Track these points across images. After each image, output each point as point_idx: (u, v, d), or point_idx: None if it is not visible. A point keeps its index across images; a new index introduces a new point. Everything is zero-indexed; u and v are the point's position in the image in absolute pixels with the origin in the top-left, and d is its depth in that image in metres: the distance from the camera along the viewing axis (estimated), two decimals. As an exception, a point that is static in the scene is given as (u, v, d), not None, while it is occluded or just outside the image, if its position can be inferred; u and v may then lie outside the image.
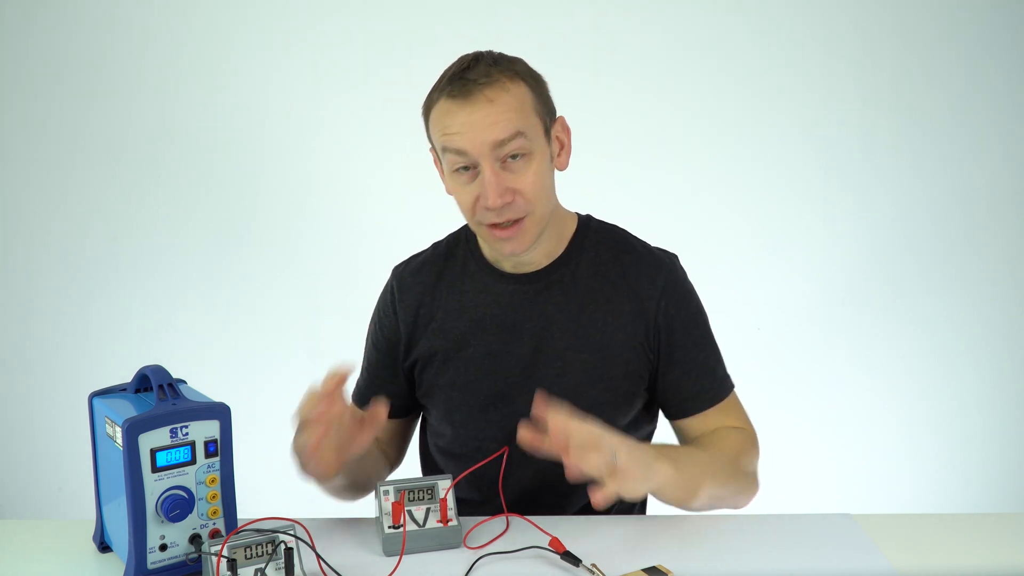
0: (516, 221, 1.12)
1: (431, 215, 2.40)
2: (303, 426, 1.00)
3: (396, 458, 1.35)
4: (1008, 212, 2.49)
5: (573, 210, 1.29)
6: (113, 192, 2.56)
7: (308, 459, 1.03)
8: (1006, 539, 1.06)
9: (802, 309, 2.51)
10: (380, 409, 1.03)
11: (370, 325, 1.34)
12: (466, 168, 1.11)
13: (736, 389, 1.25)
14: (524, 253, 1.16)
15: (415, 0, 2.47)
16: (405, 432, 1.35)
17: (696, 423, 1.22)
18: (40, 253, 2.59)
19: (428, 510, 1.02)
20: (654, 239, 1.28)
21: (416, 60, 2.41)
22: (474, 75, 1.09)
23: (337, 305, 2.58)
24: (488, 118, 1.08)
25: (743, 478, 1.16)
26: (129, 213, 2.57)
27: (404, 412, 1.32)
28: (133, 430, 0.89)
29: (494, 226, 1.13)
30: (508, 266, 1.23)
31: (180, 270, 2.57)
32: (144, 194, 2.56)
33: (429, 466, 1.37)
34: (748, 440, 1.21)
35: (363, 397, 1.31)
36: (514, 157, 1.10)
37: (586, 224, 1.26)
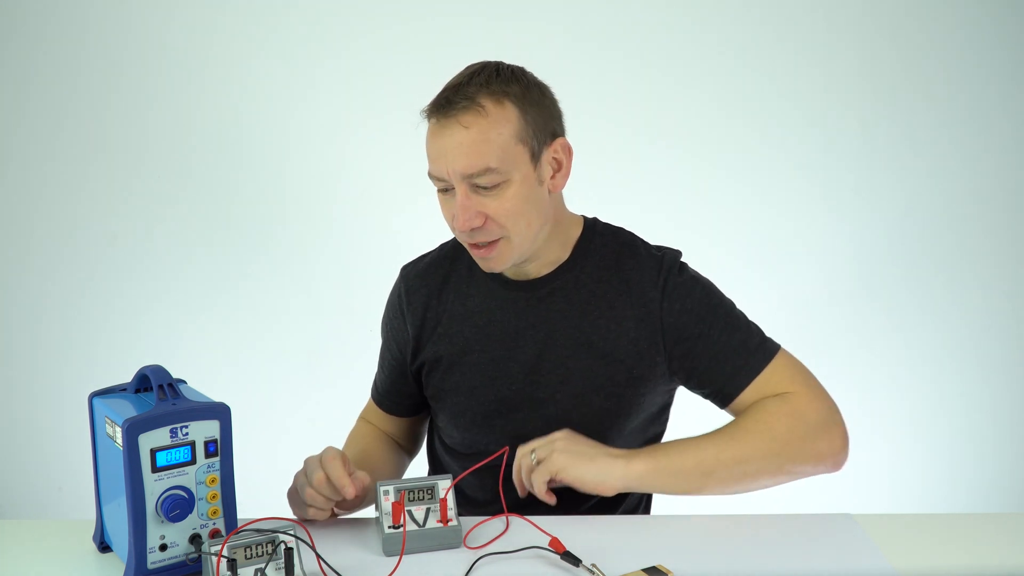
0: (491, 243, 1.13)
1: (431, 216, 2.41)
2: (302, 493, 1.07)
3: (413, 448, 1.39)
4: (1001, 217, 2.49)
5: (580, 212, 1.28)
6: (114, 192, 2.56)
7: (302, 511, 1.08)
8: (1006, 539, 1.06)
9: (803, 308, 2.51)
10: (362, 482, 1.06)
11: (382, 328, 1.35)
12: (445, 189, 1.13)
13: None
14: (503, 270, 1.18)
15: (418, 2, 2.47)
16: (420, 427, 1.38)
17: (745, 402, 1.17)
18: (40, 253, 2.59)
19: (428, 510, 1.02)
20: (659, 238, 1.28)
21: (417, 61, 2.43)
22: (458, 97, 1.09)
23: (337, 305, 2.58)
24: (459, 148, 1.08)
25: (785, 446, 1.10)
26: (130, 213, 2.57)
27: (416, 410, 1.34)
28: (133, 430, 0.89)
29: (471, 244, 1.15)
30: (510, 273, 1.23)
31: (180, 270, 2.58)
32: (145, 194, 2.56)
33: (436, 465, 1.39)
34: (785, 404, 1.13)
35: (380, 393, 1.35)
36: (485, 186, 1.10)
37: (591, 227, 1.25)
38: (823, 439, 1.12)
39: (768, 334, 1.20)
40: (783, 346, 1.20)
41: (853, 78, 2.45)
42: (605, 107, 2.38)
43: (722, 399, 1.19)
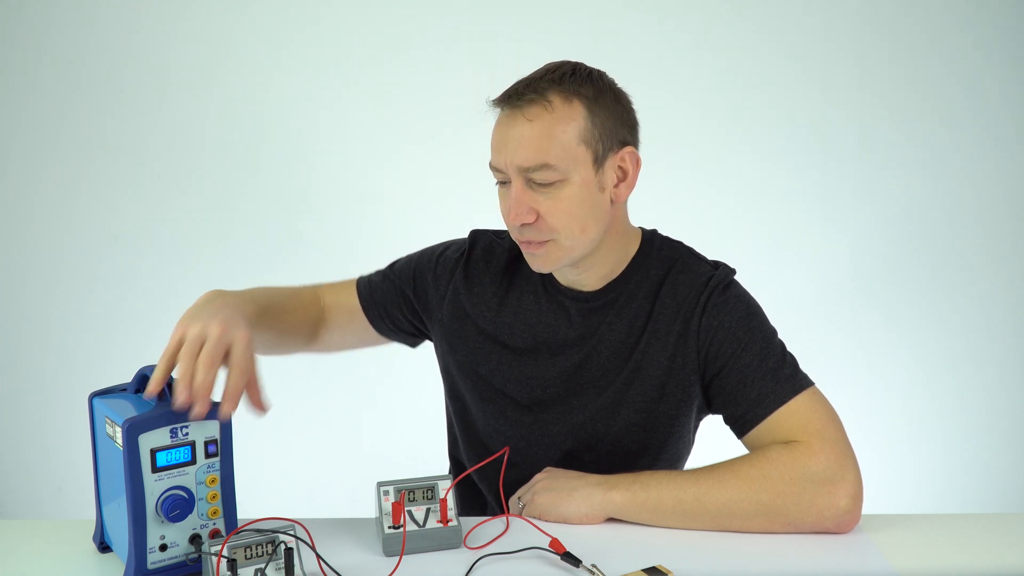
0: (541, 242, 1.11)
1: (432, 215, 2.41)
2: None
3: (335, 347, 1.33)
4: (1000, 219, 2.49)
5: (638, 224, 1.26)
6: (114, 191, 2.56)
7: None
8: (1006, 539, 1.06)
9: (803, 308, 2.51)
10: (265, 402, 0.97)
11: (425, 252, 1.32)
12: (504, 181, 1.12)
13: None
14: (550, 271, 1.16)
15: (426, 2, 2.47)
16: (370, 341, 1.34)
17: (761, 435, 1.11)
18: (40, 253, 2.59)
19: (428, 510, 1.02)
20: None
21: (418, 59, 2.43)
22: (528, 90, 1.08)
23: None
24: (520, 140, 1.07)
25: (777, 498, 1.03)
26: (130, 213, 2.57)
27: (389, 333, 1.32)
28: (133, 430, 0.89)
29: (521, 240, 1.13)
30: (567, 282, 1.21)
31: (181, 271, 2.58)
32: (145, 193, 2.56)
33: (455, 461, 1.38)
34: (788, 452, 1.05)
35: (370, 295, 1.30)
36: (542, 183, 1.09)
37: (649, 241, 1.23)
38: (824, 496, 1.03)
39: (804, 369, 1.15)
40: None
41: (850, 80, 2.45)
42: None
43: (741, 426, 1.13)
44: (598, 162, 1.10)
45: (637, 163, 1.14)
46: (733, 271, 1.21)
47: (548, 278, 1.23)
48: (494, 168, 1.12)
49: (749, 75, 2.46)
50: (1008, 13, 2.40)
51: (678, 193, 2.48)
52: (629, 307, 1.19)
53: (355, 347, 1.36)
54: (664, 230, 1.26)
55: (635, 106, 1.15)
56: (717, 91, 2.47)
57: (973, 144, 2.46)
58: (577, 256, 1.13)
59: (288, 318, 1.21)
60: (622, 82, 1.15)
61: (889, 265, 2.52)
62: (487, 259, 1.26)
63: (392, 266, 1.33)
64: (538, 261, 1.13)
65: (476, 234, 1.30)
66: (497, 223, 1.25)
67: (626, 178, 1.14)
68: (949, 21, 2.42)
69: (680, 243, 1.24)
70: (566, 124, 1.08)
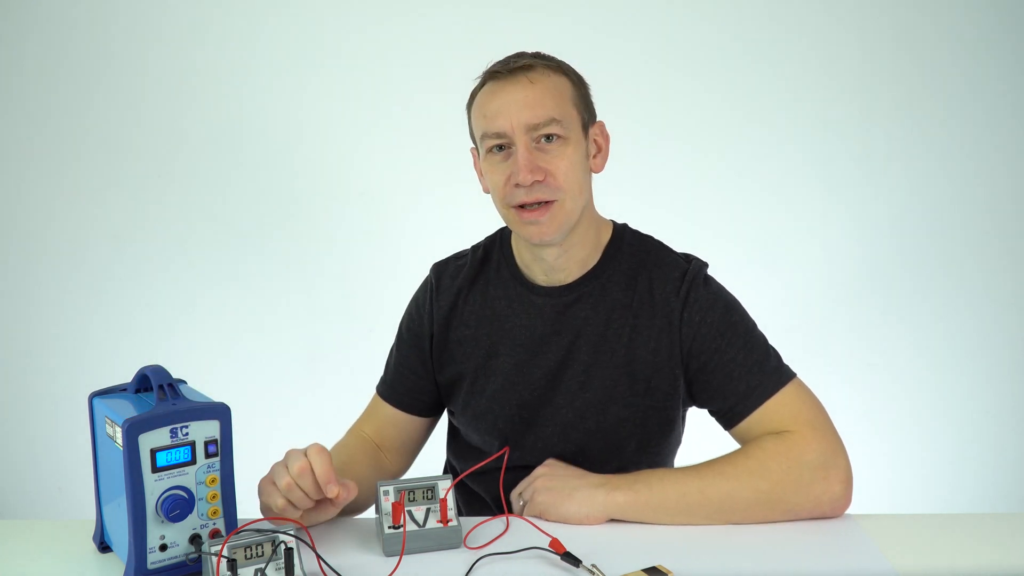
0: (546, 204, 1.12)
1: (431, 218, 2.41)
2: (272, 494, 1.00)
3: (404, 461, 1.34)
4: (1006, 216, 2.49)
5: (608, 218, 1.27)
6: (114, 192, 2.56)
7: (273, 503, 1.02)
8: (1006, 539, 1.06)
9: (802, 312, 2.51)
10: (350, 489, 1.01)
11: (402, 318, 1.33)
12: (500, 148, 1.14)
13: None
14: (551, 242, 1.15)
15: (418, 1, 2.47)
16: (423, 432, 1.34)
17: (751, 427, 1.13)
18: (40, 253, 2.59)
19: (428, 510, 1.02)
20: (660, 235, 1.26)
21: (418, 65, 2.43)
22: (519, 62, 1.14)
23: (337, 305, 2.58)
24: (527, 98, 1.11)
25: (776, 486, 1.06)
26: (130, 213, 2.57)
27: (426, 411, 1.32)
28: (133, 430, 0.89)
29: (523, 208, 1.13)
30: (541, 277, 1.22)
31: (180, 270, 2.58)
32: (145, 195, 2.56)
33: (452, 469, 1.39)
34: (782, 443, 1.08)
35: (391, 389, 1.32)
36: (548, 139, 1.12)
37: (620, 235, 1.24)
38: (819, 482, 1.06)
39: (771, 336, 1.19)
40: (791, 356, 1.18)
41: (857, 74, 2.45)
42: (607, 104, 2.38)
43: (730, 419, 1.16)
44: (584, 128, 1.17)
45: (607, 137, 1.22)
46: (706, 264, 1.22)
47: (520, 279, 1.23)
48: (491, 135, 1.13)
49: (753, 72, 2.46)
50: (1013, 10, 2.40)
51: (683, 191, 2.48)
52: (604, 300, 1.20)
53: (420, 446, 1.36)
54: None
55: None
56: (720, 89, 2.47)
57: (979, 138, 2.46)
58: (572, 222, 1.15)
59: (357, 467, 1.22)
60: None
61: (896, 260, 2.52)
62: (454, 280, 1.27)
63: (390, 359, 1.33)
64: (542, 226, 1.13)
65: (438, 266, 1.31)
66: (482, 231, 1.25)
67: (600, 151, 1.21)
68: (954, 17, 2.41)
69: (650, 237, 1.26)
70: (561, 88, 1.14)
